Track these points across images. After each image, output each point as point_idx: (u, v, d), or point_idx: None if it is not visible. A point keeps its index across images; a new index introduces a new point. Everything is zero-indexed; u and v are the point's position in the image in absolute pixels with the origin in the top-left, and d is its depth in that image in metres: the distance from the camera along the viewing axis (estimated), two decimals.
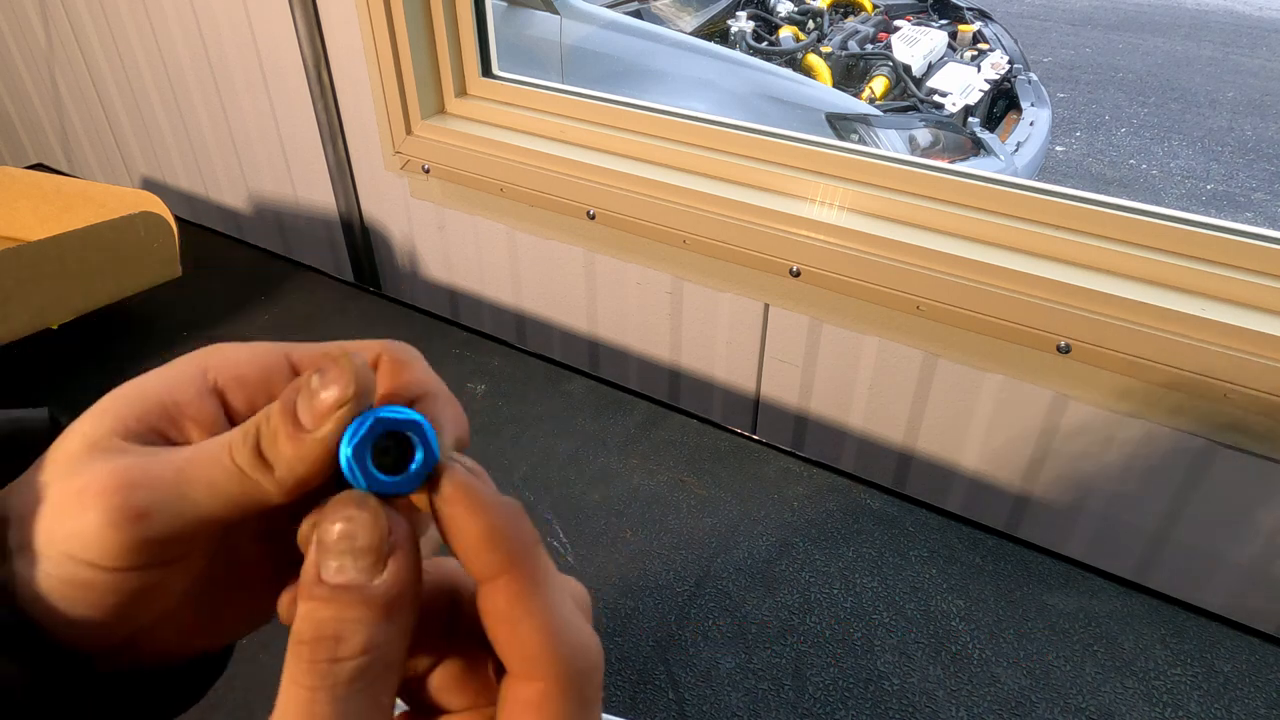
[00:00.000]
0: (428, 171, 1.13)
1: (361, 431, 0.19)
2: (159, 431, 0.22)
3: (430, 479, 0.19)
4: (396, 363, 0.23)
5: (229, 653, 0.26)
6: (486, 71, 1.12)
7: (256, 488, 0.20)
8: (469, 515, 0.18)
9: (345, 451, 0.19)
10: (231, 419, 0.23)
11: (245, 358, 0.23)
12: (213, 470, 0.20)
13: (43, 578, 0.20)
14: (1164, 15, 6.01)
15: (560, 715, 0.18)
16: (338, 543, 0.18)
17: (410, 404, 0.22)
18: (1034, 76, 3.07)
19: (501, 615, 0.18)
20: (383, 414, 0.19)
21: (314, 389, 0.19)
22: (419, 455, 0.19)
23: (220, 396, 0.23)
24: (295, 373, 0.23)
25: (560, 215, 1.06)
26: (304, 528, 0.21)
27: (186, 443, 0.22)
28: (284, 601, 0.21)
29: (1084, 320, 0.77)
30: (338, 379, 0.19)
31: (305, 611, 0.17)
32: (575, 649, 0.18)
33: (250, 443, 0.20)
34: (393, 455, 0.19)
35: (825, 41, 3.09)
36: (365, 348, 0.23)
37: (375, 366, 0.23)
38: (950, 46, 3.15)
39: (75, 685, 0.21)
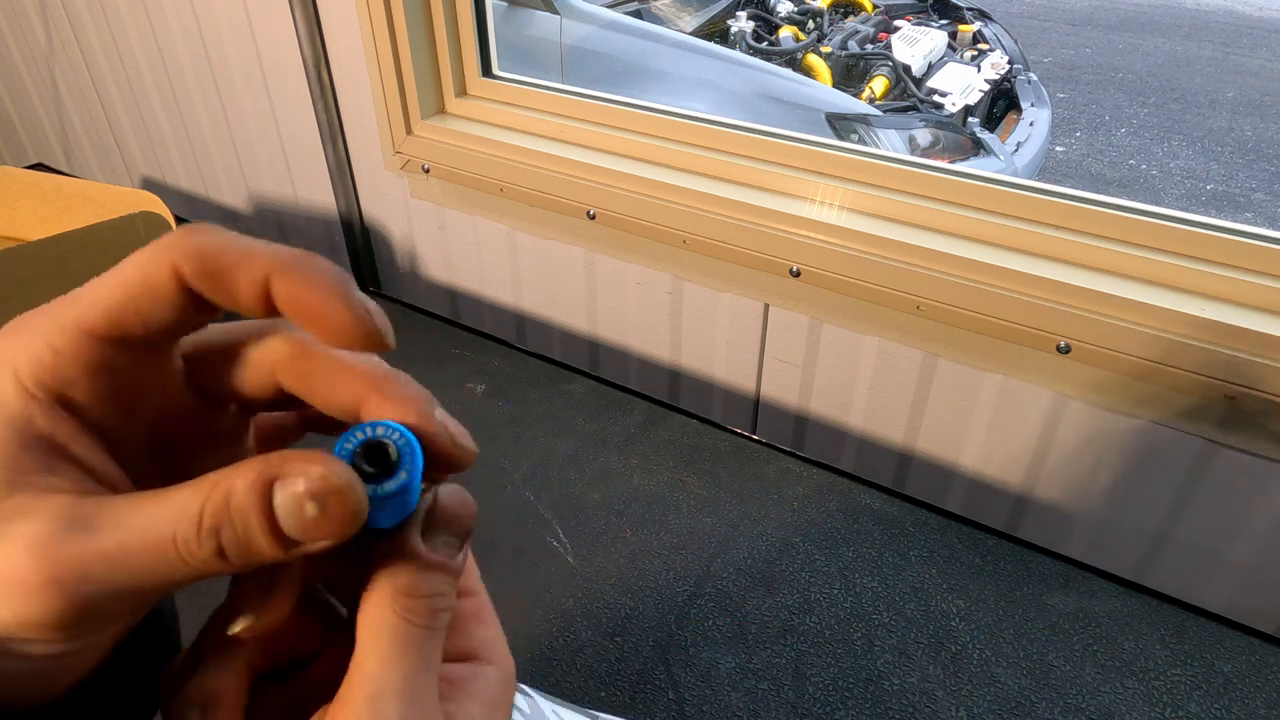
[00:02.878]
0: (428, 171, 1.13)
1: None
2: (35, 469, 0.19)
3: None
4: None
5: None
6: (486, 71, 1.12)
7: (205, 574, 0.19)
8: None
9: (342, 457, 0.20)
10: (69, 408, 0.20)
11: (49, 357, 0.20)
12: (156, 561, 0.19)
13: None
14: (1164, 15, 6.01)
15: (511, 690, 0.25)
16: (451, 522, 0.22)
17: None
18: (1034, 76, 3.07)
19: (476, 615, 0.25)
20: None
21: (308, 514, 0.19)
22: (405, 470, 0.20)
23: (53, 395, 0.20)
24: (102, 341, 0.20)
25: (560, 215, 1.06)
26: None
27: (70, 474, 0.20)
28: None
29: (1084, 320, 0.76)
30: (339, 518, 0.19)
31: (412, 577, 0.21)
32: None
33: (211, 545, 0.19)
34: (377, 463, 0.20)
35: (825, 41, 3.09)
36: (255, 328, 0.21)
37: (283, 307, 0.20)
38: (950, 46, 3.15)
39: None
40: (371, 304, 0.20)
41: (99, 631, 0.20)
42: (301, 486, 0.19)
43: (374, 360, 0.22)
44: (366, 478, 0.20)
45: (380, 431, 0.20)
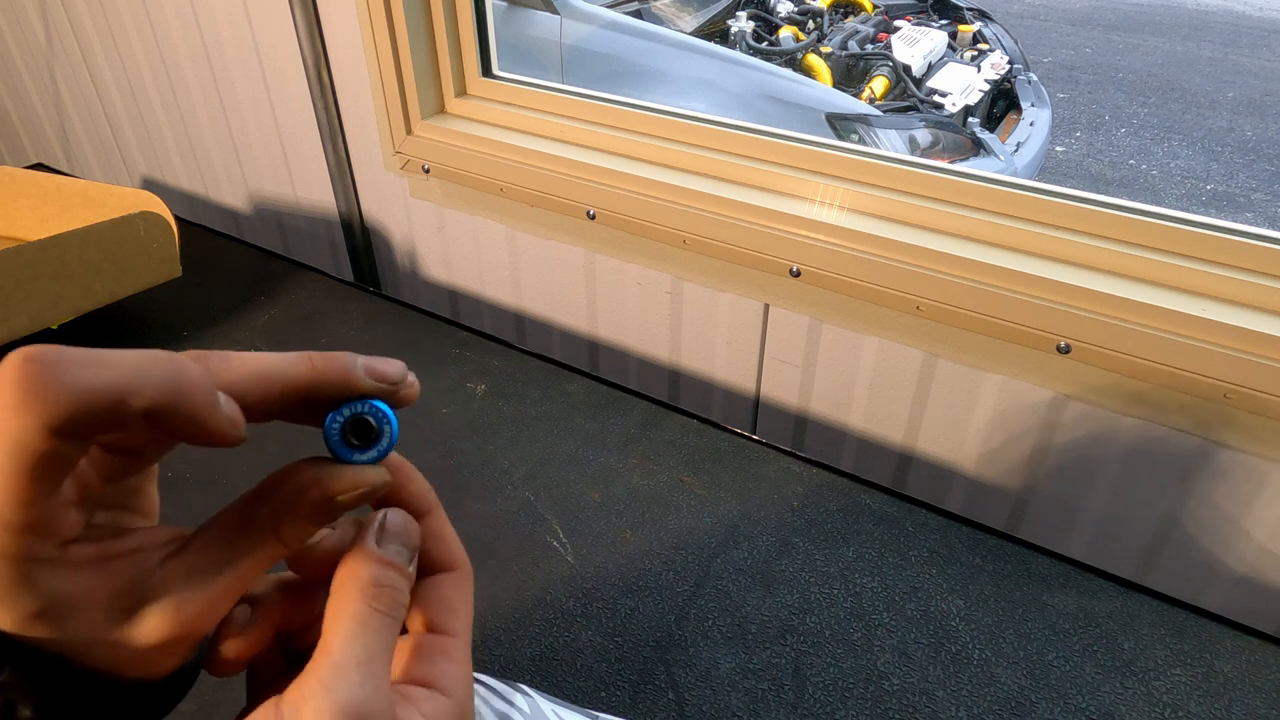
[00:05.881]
0: (428, 171, 1.13)
1: (337, 426, 0.25)
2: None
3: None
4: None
5: (198, 667, 0.28)
6: (486, 71, 1.12)
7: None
8: (414, 474, 0.29)
9: (333, 433, 0.25)
10: None
11: None
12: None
13: None
14: (1164, 15, 6.01)
15: (471, 589, 0.30)
16: (399, 535, 0.27)
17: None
18: (1034, 76, 3.07)
19: (439, 532, 0.29)
20: (358, 409, 0.26)
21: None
22: (385, 436, 0.26)
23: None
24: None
25: (560, 215, 1.06)
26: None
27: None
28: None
29: (1084, 320, 0.77)
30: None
31: (376, 569, 0.25)
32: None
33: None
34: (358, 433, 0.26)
35: (825, 41, 3.09)
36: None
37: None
38: (950, 46, 3.15)
39: (62, 683, 0.23)
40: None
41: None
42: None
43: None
44: (354, 447, 0.25)
45: (364, 409, 0.25)
